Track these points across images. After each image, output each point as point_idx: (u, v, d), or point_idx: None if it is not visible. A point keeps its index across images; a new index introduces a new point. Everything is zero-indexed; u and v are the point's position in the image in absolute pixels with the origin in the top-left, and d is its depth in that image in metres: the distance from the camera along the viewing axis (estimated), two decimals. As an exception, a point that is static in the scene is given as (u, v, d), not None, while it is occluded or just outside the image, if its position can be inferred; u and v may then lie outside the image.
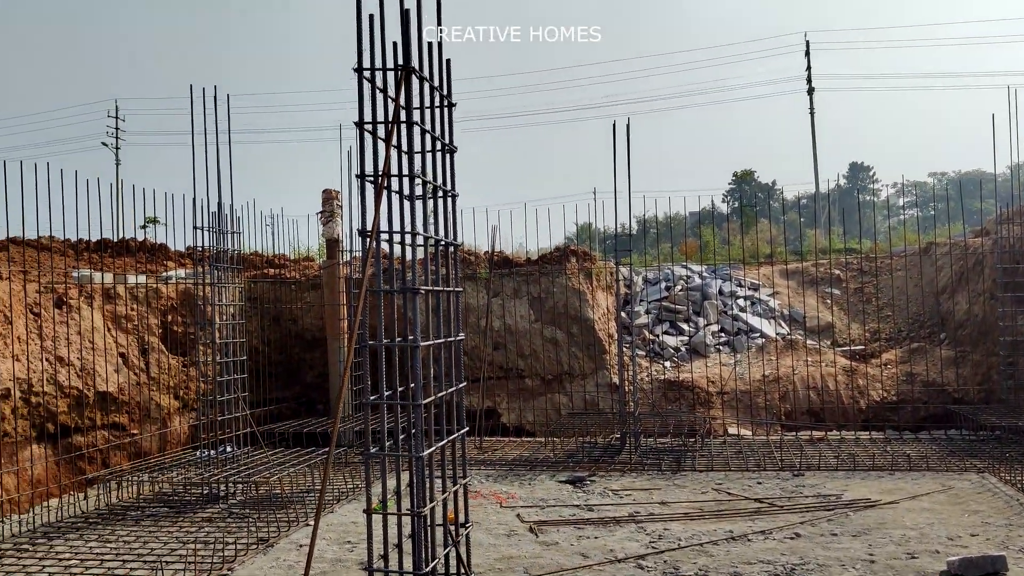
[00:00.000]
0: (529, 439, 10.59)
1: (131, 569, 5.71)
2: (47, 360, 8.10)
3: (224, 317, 8.28)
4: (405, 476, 2.99)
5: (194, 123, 7.58)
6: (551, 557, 5.76)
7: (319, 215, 10.31)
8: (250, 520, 6.88)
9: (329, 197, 10.21)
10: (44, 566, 5.89)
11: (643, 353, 11.79)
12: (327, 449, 8.70)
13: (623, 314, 10.53)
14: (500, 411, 10.99)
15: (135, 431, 9.05)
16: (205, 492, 7.86)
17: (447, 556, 3.06)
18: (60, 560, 6.02)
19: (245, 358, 8.31)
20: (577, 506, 7.18)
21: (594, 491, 7.72)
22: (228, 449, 8.12)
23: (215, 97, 7.74)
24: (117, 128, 43.23)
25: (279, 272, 11.65)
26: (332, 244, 10.41)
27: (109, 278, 9.20)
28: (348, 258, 10.50)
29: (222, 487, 7.81)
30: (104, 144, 42.95)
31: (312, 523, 6.80)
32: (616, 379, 10.74)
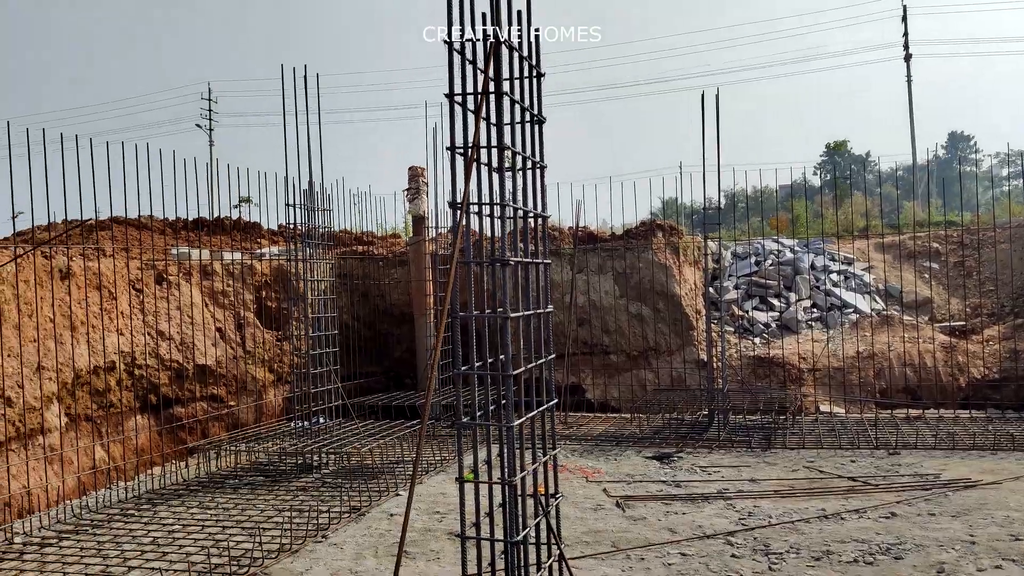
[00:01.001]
0: (614, 415, 10.56)
1: (231, 535, 5.93)
2: (149, 334, 8.44)
3: (316, 293, 8.47)
4: (493, 448, 3.01)
5: (285, 103, 7.74)
6: (638, 531, 5.75)
7: (405, 192, 10.43)
8: (343, 489, 7.05)
9: (415, 174, 10.32)
10: (149, 531, 6.17)
11: (732, 329, 11.60)
12: (416, 422, 8.86)
13: (711, 289, 10.37)
14: (585, 387, 10.97)
15: (232, 403, 9.36)
16: (299, 462, 8.10)
17: (537, 526, 3.08)
18: (164, 525, 6.29)
19: (337, 332, 8.49)
20: (664, 482, 7.14)
21: (681, 467, 7.65)
22: (321, 421, 8.34)
23: (305, 77, 7.88)
24: (210, 110, 44.56)
25: (367, 249, 11.85)
26: (418, 221, 10.52)
27: (206, 255, 9.51)
28: (434, 235, 10.61)
29: (315, 458, 8.04)
30: (198, 126, 44.38)
31: (402, 494, 6.94)
32: (704, 355, 10.60)
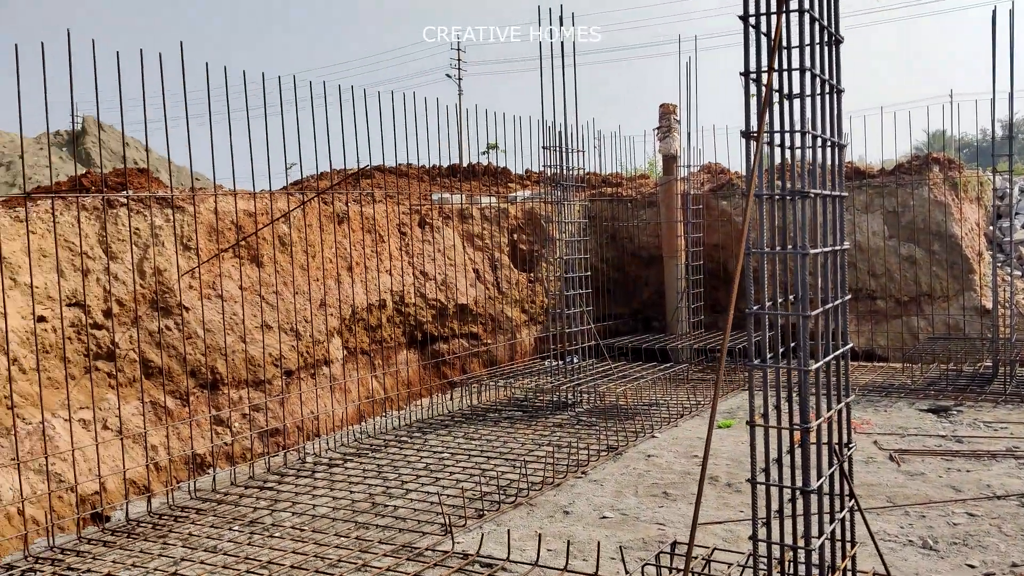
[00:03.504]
0: (881, 364, 9.89)
1: (495, 465, 6.19)
2: (414, 274, 8.92)
3: (567, 235, 8.54)
4: (780, 393, 2.86)
5: (541, 45, 7.77)
6: (916, 487, 5.35)
7: (656, 131, 10.21)
8: (598, 428, 7.14)
9: (666, 112, 10.06)
10: (421, 456, 6.57)
11: (1020, 273, 10.44)
12: (668, 365, 8.77)
13: (995, 229, 9.35)
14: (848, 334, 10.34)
15: (488, 340, 9.74)
16: (554, 399, 8.29)
17: (831, 476, 2.91)
18: (434, 452, 6.68)
19: (588, 273, 8.54)
20: (942, 436, 6.59)
21: (962, 422, 7.03)
22: (574, 360, 8.47)
23: (560, 17, 7.86)
24: (459, 60, 46.10)
25: (615, 191, 11.78)
26: (669, 160, 10.29)
27: (462, 199, 9.86)
28: (685, 174, 10.33)
29: (570, 396, 8.19)
30: (448, 76, 46.09)
31: (659, 435, 6.91)
32: (985, 301, 9.64)
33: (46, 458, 5.24)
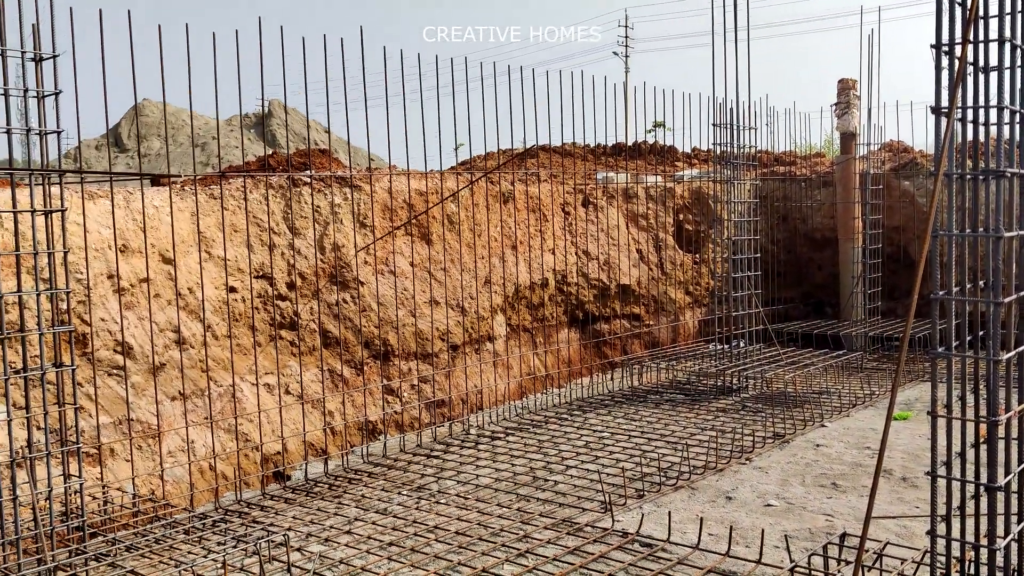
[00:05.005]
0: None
1: (655, 447, 6.16)
2: (576, 254, 8.97)
3: (736, 215, 8.33)
4: (961, 384, 2.70)
5: (714, 20, 7.58)
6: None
7: (833, 107, 9.76)
8: (764, 415, 6.96)
9: (845, 87, 9.59)
10: (581, 434, 6.63)
11: None
12: (841, 352, 8.42)
13: None
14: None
15: (650, 322, 9.67)
16: (718, 384, 8.14)
17: (1020, 473, 2.73)
18: (593, 431, 6.72)
19: (758, 255, 8.30)
20: None
21: None
22: (740, 344, 8.27)
23: (732, -10, 7.64)
24: (627, 37, 45.64)
25: (788, 170, 11.37)
26: (847, 138, 9.81)
27: (625, 179, 9.80)
28: (864, 152, 9.83)
29: (735, 380, 8.02)
30: (615, 54, 45.72)
31: (828, 425, 6.66)
32: None
33: (235, 418, 5.67)
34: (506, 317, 8.12)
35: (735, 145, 8.09)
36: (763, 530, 4.19)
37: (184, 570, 3.97)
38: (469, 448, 6.40)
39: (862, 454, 5.89)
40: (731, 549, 4.12)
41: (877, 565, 3.67)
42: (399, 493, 5.33)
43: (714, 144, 8.11)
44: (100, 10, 4.47)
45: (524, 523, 4.69)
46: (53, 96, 3.99)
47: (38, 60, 3.97)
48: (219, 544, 4.34)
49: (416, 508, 5.02)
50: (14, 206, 3.92)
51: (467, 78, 6.68)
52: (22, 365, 4.20)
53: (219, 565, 4.01)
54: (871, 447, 6.04)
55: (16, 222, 3.92)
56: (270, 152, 7.72)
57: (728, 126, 7.99)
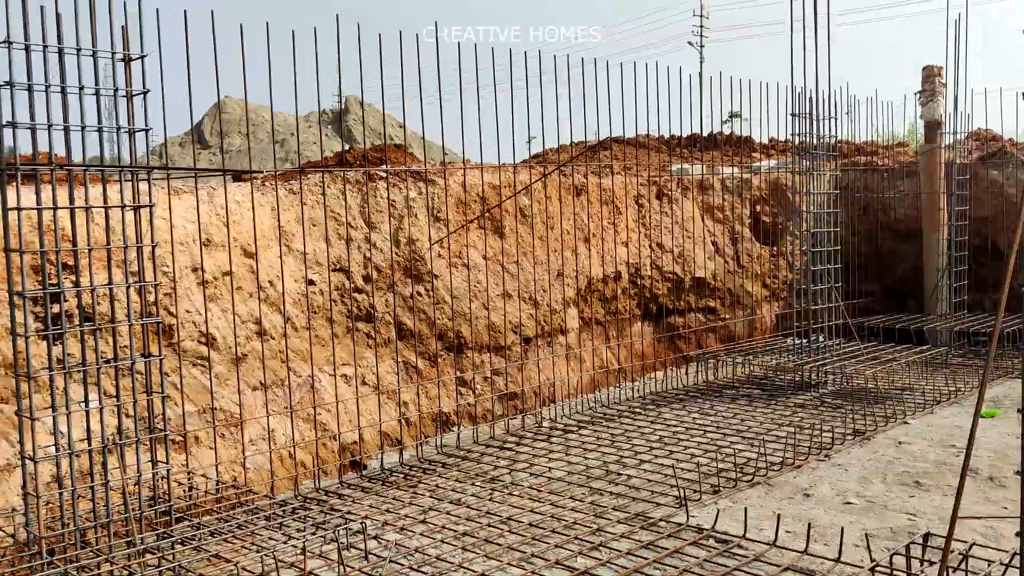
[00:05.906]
0: None
1: (731, 442, 6.08)
2: (650, 246, 8.89)
3: (815, 206, 8.13)
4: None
5: (792, 7, 7.41)
6: None
7: (918, 95, 9.45)
8: (844, 411, 6.80)
9: (931, 74, 9.27)
10: (655, 429, 6.58)
11: None
12: (925, 348, 8.16)
13: None
14: None
15: (726, 316, 9.53)
16: (796, 379, 7.98)
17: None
18: (668, 425, 6.66)
19: (838, 248, 8.10)
20: None
21: None
22: (820, 339, 8.09)
23: (811, -24, 7.45)
24: (701, 27, 44.97)
25: (869, 160, 11.05)
26: (931, 127, 9.49)
27: (701, 170, 9.66)
28: (950, 141, 9.50)
29: (814, 376, 7.85)
30: (689, 43, 45.11)
31: (911, 422, 6.48)
32: None
33: (314, 408, 5.80)
34: (578, 310, 8.10)
35: (814, 135, 7.90)
36: (842, 528, 4.11)
37: (266, 555, 4.08)
38: (542, 441, 6.41)
39: (946, 452, 5.71)
40: (809, 547, 4.05)
41: (963, 566, 3.56)
42: (472, 484, 5.38)
43: (793, 134, 7.93)
44: (185, 11, 4.61)
45: (597, 516, 4.68)
46: (141, 95, 4.13)
47: (127, 60, 4.11)
48: (298, 531, 4.45)
49: (489, 499, 5.06)
50: (105, 202, 4.08)
51: (540, 71, 6.68)
52: (113, 355, 4.37)
53: (298, 551, 4.11)
54: (956, 445, 5.86)
55: (107, 217, 4.08)
56: (347, 148, 7.84)
57: (807, 116, 7.81)
